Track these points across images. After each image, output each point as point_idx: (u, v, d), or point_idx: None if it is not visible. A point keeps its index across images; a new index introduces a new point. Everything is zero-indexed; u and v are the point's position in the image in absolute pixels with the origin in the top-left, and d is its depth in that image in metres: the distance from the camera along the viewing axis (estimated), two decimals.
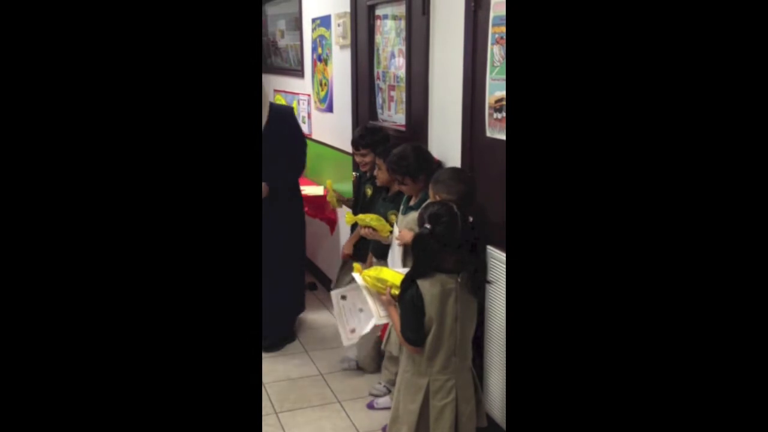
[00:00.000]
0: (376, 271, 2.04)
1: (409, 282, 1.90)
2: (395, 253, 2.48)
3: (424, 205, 2.04)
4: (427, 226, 1.86)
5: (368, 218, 2.62)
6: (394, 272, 2.05)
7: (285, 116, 3.08)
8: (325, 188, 3.28)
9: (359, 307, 2.67)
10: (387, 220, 2.74)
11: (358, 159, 2.93)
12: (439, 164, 2.52)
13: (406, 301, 1.89)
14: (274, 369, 2.98)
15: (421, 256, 1.90)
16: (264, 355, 3.11)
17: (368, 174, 3.00)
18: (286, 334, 3.28)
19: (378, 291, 2.01)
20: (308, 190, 3.38)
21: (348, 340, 2.57)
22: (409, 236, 2.43)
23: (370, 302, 2.06)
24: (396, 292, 1.96)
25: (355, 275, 2.11)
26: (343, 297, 2.54)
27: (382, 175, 2.72)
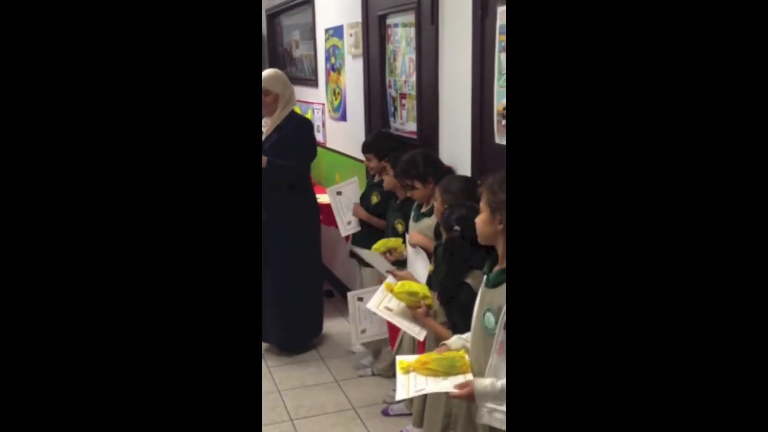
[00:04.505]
0: (406, 286, 2.04)
1: (455, 286, 1.91)
2: (416, 262, 2.47)
3: (445, 210, 2.06)
4: (457, 228, 1.90)
5: (390, 243, 2.60)
6: (419, 284, 2.07)
7: (298, 121, 3.12)
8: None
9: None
10: (394, 229, 2.75)
11: (366, 164, 3.04)
12: (449, 170, 2.53)
13: (464, 303, 1.88)
14: (290, 376, 3.01)
15: (456, 259, 1.93)
16: (279, 361, 3.15)
17: (375, 180, 3.05)
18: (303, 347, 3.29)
19: (411, 305, 2.00)
20: (322, 198, 3.40)
21: (358, 339, 2.59)
22: (420, 238, 2.44)
23: (405, 324, 2.04)
24: (429, 302, 1.97)
25: (372, 307, 2.10)
26: (360, 299, 2.56)
27: (389, 180, 2.76)
